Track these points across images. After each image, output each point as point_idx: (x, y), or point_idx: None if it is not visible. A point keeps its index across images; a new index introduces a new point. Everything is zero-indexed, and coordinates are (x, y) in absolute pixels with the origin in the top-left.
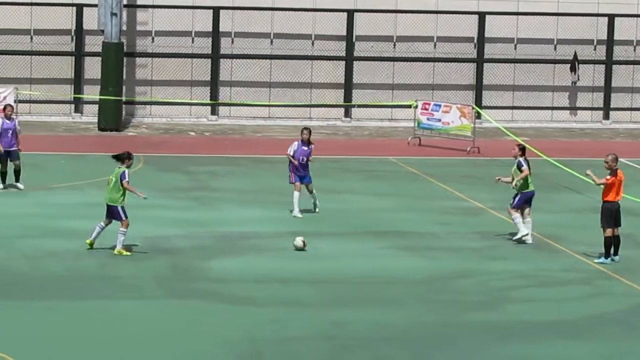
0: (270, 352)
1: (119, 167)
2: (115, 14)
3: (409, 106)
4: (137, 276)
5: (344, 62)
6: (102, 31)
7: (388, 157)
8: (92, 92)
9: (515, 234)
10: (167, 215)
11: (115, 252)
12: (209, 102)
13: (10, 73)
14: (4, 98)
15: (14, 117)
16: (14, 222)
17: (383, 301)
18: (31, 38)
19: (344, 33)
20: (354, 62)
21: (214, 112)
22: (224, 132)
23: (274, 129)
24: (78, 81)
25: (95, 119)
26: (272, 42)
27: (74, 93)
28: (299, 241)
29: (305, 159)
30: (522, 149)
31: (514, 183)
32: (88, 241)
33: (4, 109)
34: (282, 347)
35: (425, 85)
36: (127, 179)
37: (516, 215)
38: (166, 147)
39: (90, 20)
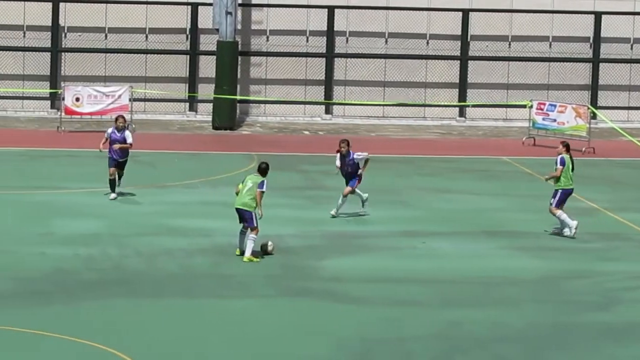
0: (383, 351)
1: (256, 174)
2: (230, 13)
3: (524, 106)
4: (249, 275)
5: (458, 61)
6: (217, 30)
7: (502, 157)
8: (206, 91)
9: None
10: (280, 214)
11: (245, 259)
12: (323, 101)
13: (126, 71)
14: (119, 96)
15: (129, 128)
16: (129, 220)
17: (498, 301)
18: (146, 37)
19: (459, 32)
20: (469, 61)
21: (328, 111)
22: (338, 131)
23: (388, 129)
24: (193, 80)
25: (210, 118)
26: (386, 41)
27: (189, 91)
28: (268, 246)
29: (349, 168)
30: (566, 146)
31: (545, 178)
32: (238, 251)
33: (116, 119)
34: (395, 347)
35: (540, 85)
36: (264, 190)
37: (560, 212)
38: (280, 146)
39: (205, 19)
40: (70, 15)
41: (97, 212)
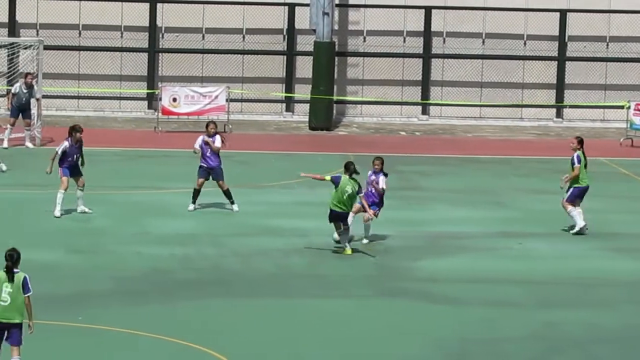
0: (479, 352)
1: (350, 179)
2: (327, 14)
3: (622, 107)
4: (345, 275)
5: (556, 62)
6: (314, 30)
7: (599, 158)
8: (303, 91)
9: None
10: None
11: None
12: (420, 101)
13: (223, 72)
14: (216, 97)
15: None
16: (225, 220)
17: (594, 302)
18: (243, 37)
19: (557, 33)
20: (566, 62)
21: (424, 111)
22: (435, 132)
23: (485, 129)
24: (289, 80)
25: (307, 118)
26: (483, 42)
27: (285, 92)
28: None
29: (371, 187)
30: (580, 142)
31: (564, 181)
32: (350, 251)
33: (207, 125)
34: (491, 347)
35: (639, 87)
36: (363, 194)
37: (571, 208)
38: (377, 146)
39: (302, 19)
40: (167, 15)
41: (193, 212)
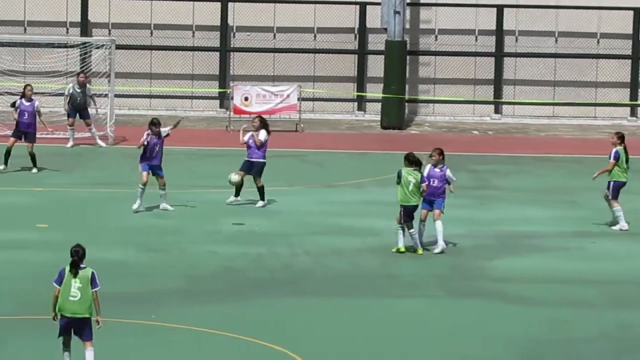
0: (552, 352)
1: (413, 169)
2: (399, 12)
3: None
4: (417, 274)
5: (630, 60)
6: (385, 29)
7: None
8: (374, 90)
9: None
10: (449, 214)
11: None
12: (492, 100)
13: (294, 71)
14: (287, 96)
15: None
16: (297, 219)
17: None
18: (315, 36)
19: (630, 31)
20: None
21: (497, 110)
22: (507, 130)
23: (558, 128)
24: (361, 79)
25: (378, 117)
26: (556, 40)
27: (357, 91)
28: (234, 177)
29: (436, 182)
30: (621, 138)
31: (594, 176)
32: (401, 248)
33: (253, 120)
34: (564, 348)
35: None
36: (426, 182)
37: (618, 207)
38: (449, 145)
39: (374, 18)
40: (239, 15)
41: (265, 211)
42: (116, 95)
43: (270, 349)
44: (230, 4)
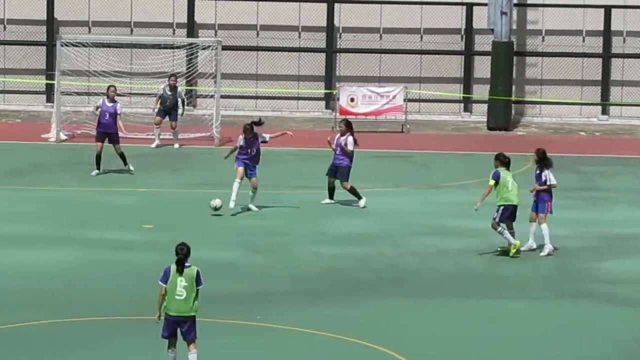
0: None
1: (505, 170)
2: (505, 13)
3: None
4: (523, 276)
5: None
6: (492, 30)
7: None
8: (481, 91)
9: None
10: (557, 215)
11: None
12: (600, 102)
13: (400, 72)
14: (394, 97)
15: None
16: (403, 220)
17: None
18: (421, 37)
19: None
20: None
21: (604, 111)
22: (615, 132)
23: None
24: (467, 80)
25: (485, 118)
26: None
27: (463, 92)
28: (216, 202)
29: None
30: None
31: None
32: (518, 243)
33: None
34: None
35: None
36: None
37: None
38: (556, 146)
39: (480, 19)
40: (344, 15)
41: (370, 212)
42: (222, 96)
43: (374, 350)
44: (336, 5)
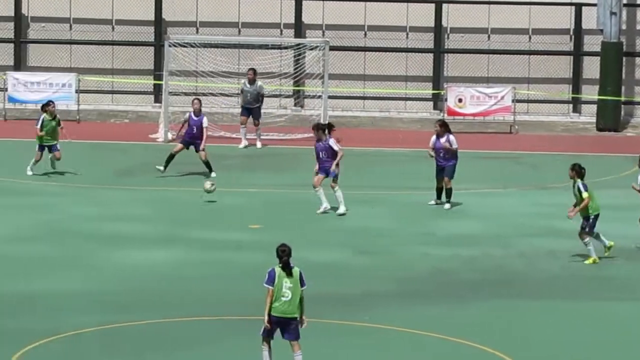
0: None
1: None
2: (615, 13)
3: None
4: (631, 277)
5: None
6: (601, 30)
7: None
8: (590, 92)
9: None
10: None
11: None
12: None
13: (508, 72)
14: (502, 97)
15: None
16: (510, 221)
17: None
18: (529, 37)
19: None
20: None
21: None
22: None
23: None
24: (576, 81)
25: (594, 119)
26: None
27: (572, 92)
28: (207, 185)
29: None
30: None
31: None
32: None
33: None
34: None
35: None
36: None
37: None
38: None
39: (589, 19)
40: (453, 16)
41: (478, 213)
42: (329, 97)
43: (480, 351)
44: (444, 5)
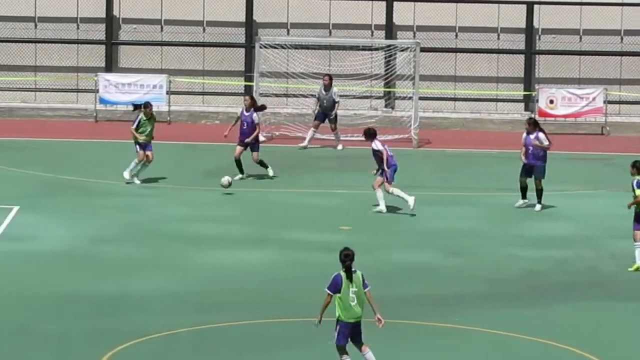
0: None
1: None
2: None
3: None
4: None
5: None
6: None
7: None
8: None
9: None
10: None
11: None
12: None
13: (600, 74)
14: (593, 99)
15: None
16: (602, 223)
17: None
18: (621, 38)
19: None
20: None
21: None
22: None
23: None
24: None
25: None
26: None
27: None
28: (225, 181)
29: None
30: None
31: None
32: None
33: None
34: None
35: None
36: None
37: None
38: None
39: None
40: (544, 17)
41: (569, 214)
42: (420, 98)
43: (571, 353)
44: (535, 6)
